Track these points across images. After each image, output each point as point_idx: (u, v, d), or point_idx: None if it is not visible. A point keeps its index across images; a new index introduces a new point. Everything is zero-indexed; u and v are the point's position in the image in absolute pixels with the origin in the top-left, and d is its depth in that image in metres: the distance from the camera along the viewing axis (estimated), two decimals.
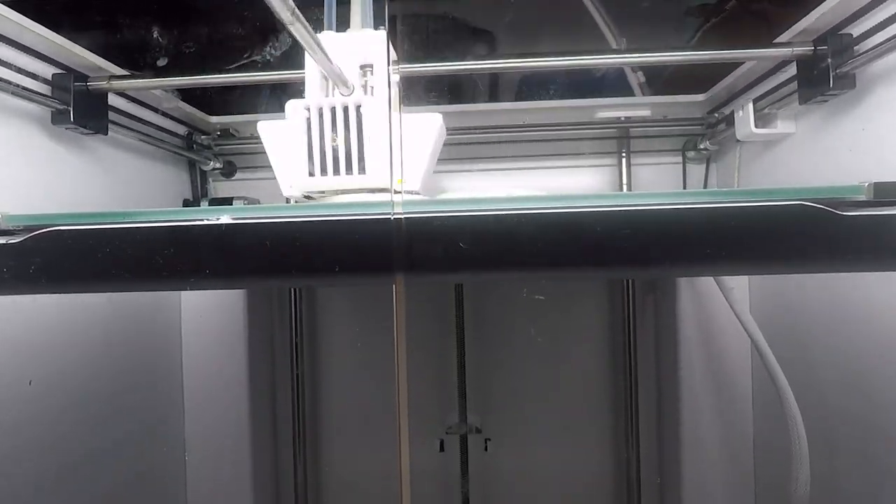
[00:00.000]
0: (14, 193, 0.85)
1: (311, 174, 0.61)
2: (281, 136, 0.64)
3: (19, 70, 0.86)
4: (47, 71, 0.92)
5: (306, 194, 0.64)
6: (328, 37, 0.62)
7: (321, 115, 0.60)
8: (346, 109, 0.60)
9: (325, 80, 0.63)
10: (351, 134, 0.60)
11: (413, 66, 0.96)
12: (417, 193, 0.66)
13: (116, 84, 0.99)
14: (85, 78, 0.96)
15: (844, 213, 0.40)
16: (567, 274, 0.43)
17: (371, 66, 0.62)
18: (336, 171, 0.60)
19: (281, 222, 0.42)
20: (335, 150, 0.60)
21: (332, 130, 0.60)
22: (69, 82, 0.93)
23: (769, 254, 0.40)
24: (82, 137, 1.00)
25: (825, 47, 0.85)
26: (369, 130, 0.60)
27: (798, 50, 0.88)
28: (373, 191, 0.62)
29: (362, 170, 0.60)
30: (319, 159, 0.60)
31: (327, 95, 0.62)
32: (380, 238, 0.41)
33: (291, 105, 0.61)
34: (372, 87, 0.62)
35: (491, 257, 0.41)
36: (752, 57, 1.01)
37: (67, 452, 0.94)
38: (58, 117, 0.93)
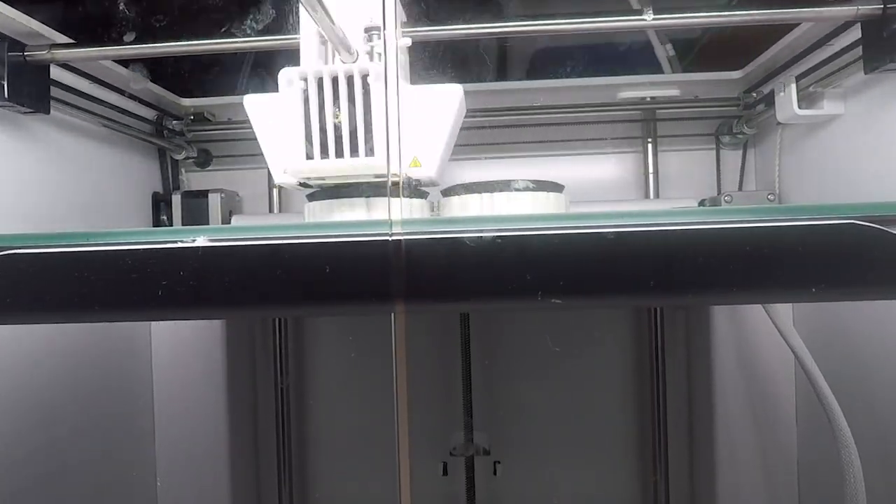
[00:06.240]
0: None
1: (310, 157, 0.56)
2: (272, 113, 0.59)
3: None
4: None
5: (303, 181, 0.61)
6: None
7: (321, 86, 0.55)
8: (350, 79, 0.55)
9: (323, 44, 0.58)
10: (357, 109, 0.55)
11: (426, 28, 0.86)
12: (432, 182, 0.62)
13: (60, 54, 0.93)
14: (22, 47, 0.91)
15: None
16: (584, 303, 0.43)
17: (378, 28, 0.58)
18: (339, 153, 0.56)
19: (264, 245, 0.40)
20: (338, 128, 0.56)
21: (335, 104, 0.56)
22: (3, 51, 0.88)
23: (817, 280, 0.39)
24: (25, 119, 0.97)
25: None
26: (378, 104, 0.55)
27: (864, 8, 0.82)
28: (379, 177, 0.58)
29: (370, 151, 0.55)
30: (319, 139, 0.56)
31: (326, 63, 0.58)
32: (377, 262, 0.41)
33: (285, 74, 0.56)
34: (379, 54, 0.57)
35: (499, 284, 0.41)
36: (808, 18, 0.94)
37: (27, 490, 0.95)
38: None
